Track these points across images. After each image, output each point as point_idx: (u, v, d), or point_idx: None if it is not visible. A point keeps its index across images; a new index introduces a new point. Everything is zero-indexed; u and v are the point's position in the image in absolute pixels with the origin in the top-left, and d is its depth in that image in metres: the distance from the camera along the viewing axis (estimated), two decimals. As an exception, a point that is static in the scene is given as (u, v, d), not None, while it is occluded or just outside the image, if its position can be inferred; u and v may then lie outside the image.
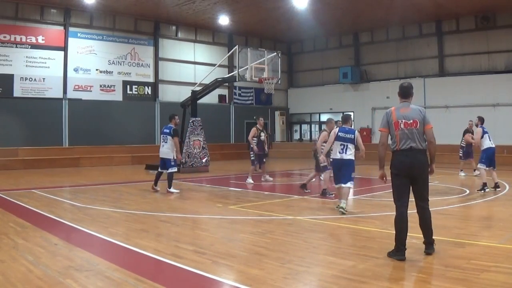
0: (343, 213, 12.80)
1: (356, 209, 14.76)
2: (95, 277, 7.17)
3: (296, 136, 46.18)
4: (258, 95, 41.91)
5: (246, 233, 10.69)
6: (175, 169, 18.37)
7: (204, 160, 26.91)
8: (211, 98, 34.86)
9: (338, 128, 14.06)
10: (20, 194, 16.99)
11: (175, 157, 17.96)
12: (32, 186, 19.57)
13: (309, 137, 45.23)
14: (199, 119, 26.97)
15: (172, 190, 17.80)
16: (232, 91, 40.90)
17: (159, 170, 18.63)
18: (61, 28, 31.85)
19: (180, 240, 9.91)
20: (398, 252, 8.14)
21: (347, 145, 13.71)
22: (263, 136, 21.58)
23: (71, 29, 32.14)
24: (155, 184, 18.31)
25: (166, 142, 18.19)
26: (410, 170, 8.33)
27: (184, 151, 26.15)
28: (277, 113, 44.12)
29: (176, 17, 35.23)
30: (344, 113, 15.09)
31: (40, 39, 30.86)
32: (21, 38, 30.18)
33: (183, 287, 7.23)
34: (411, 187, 8.46)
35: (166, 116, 34.44)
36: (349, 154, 13.80)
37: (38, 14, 30.91)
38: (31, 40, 30.52)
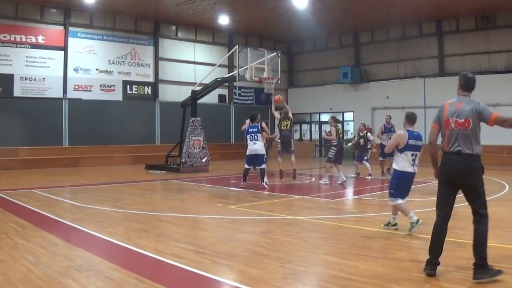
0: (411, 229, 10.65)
1: (356, 209, 14.81)
2: (95, 277, 7.20)
3: (296, 136, 46.08)
4: (258, 95, 41.89)
5: (246, 233, 10.75)
6: (265, 165, 19.78)
7: (204, 160, 26.91)
8: (211, 98, 34.81)
9: (406, 132, 11.02)
10: (20, 194, 17.00)
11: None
12: (32, 186, 19.56)
13: (309, 137, 45.27)
14: (199, 119, 26.96)
15: (266, 182, 19.26)
16: (232, 91, 40.87)
17: (247, 166, 19.58)
18: (61, 28, 31.82)
19: (180, 240, 9.95)
20: (428, 265, 7.49)
21: (416, 155, 11.17)
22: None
23: (71, 29, 32.11)
24: (244, 180, 19.20)
25: (257, 140, 19.03)
26: (455, 177, 7.59)
27: (184, 151, 26.19)
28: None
29: (176, 17, 35.21)
30: (409, 112, 11.65)
31: (40, 39, 30.84)
32: (21, 38, 30.15)
33: (183, 287, 7.26)
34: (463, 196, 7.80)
35: (166, 116, 34.73)
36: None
37: (38, 14, 30.88)
38: (31, 40, 30.49)
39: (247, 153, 19.63)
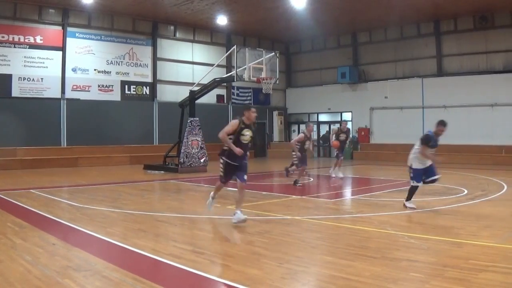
0: None
1: (354, 209, 14.81)
2: (93, 277, 7.20)
3: (294, 136, 46.10)
4: (256, 95, 41.91)
5: (244, 233, 10.74)
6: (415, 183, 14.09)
7: (202, 160, 26.90)
8: (209, 98, 34.78)
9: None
10: (18, 194, 16.99)
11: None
12: (30, 186, 19.55)
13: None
14: (197, 119, 26.95)
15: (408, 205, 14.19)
16: (230, 91, 40.89)
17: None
18: (59, 28, 31.81)
19: (178, 240, 9.95)
20: None
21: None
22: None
23: (69, 29, 32.11)
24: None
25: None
26: None
27: (182, 151, 26.21)
28: (275, 113, 44.10)
29: (174, 17, 35.20)
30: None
31: (38, 39, 30.83)
32: (19, 38, 30.16)
33: (181, 287, 7.26)
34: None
35: (164, 116, 34.74)
36: None
37: (36, 14, 30.88)
38: (29, 40, 30.50)
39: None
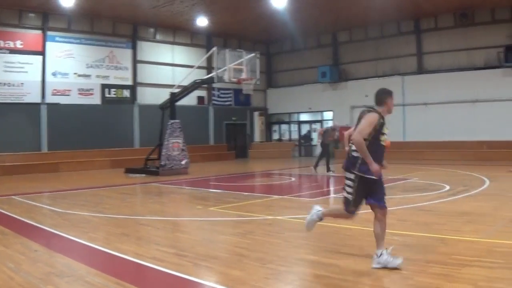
0: None
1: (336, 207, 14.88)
2: (76, 282, 7.19)
3: (275, 136, 46.24)
4: (237, 96, 41.87)
5: (226, 235, 10.78)
6: None
7: (183, 162, 26.85)
8: (189, 100, 34.81)
9: None
10: (0, 201, 16.91)
11: None
12: (12, 192, 19.40)
13: (288, 137, 45.36)
14: (178, 121, 26.92)
15: None
16: (211, 92, 40.82)
17: None
18: (39, 32, 31.61)
19: (160, 243, 9.94)
20: None
21: None
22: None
23: (49, 33, 31.91)
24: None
25: None
26: None
27: (163, 153, 26.17)
28: (256, 113, 44.10)
29: (154, 19, 35.08)
30: None
31: (19, 44, 30.63)
32: (-1, 43, 30.08)
33: (164, 290, 7.25)
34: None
35: (145, 118, 34.57)
36: None
37: (16, 18, 30.66)
38: (9, 45, 30.28)
39: None
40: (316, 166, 25.86)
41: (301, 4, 31.51)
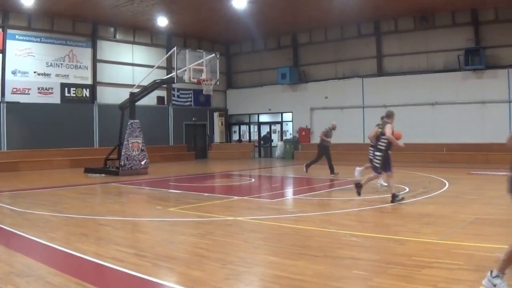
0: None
1: (296, 208, 14.96)
2: (36, 282, 7.16)
3: (235, 137, 46.25)
4: (197, 97, 41.72)
5: (186, 235, 10.79)
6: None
7: (143, 163, 26.77)
8: (149, 100, 34.71)
9: None
10: (-43, 200, 16.76)
11: None
12: (-30, 191, 19.26)
13: (248, 138, 45.41)
14: (138, 121, 26.84)
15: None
16: (171, 92, 40.66)
17: None
18: (-1, 30, 31.40)
19: (120, 243, 9.93)
20: None
21: None
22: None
23: (9, 31, 31.53)
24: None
25: None
26: None
27: (122, 153, 26.07)
28: (215, 114, 43.98)
29: (115, 19, 34.84)
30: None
31: (-22, 42, 30.37)
32: (-41, 42, 29.69)
33: (124, 290, 7.26)
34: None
35: (104, 118, 34.34)
36: None
37: (-24, 16, 30.40)
38: (-32, 43, 30.01)
39: None
40: (308, 166, 25.56)
41: (261, 5, 31.54)
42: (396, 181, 19.79)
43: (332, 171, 24.08)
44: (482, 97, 31.68)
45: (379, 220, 12.11)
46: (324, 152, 24.55)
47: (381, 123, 15.02)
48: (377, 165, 14.54)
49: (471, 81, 32.27)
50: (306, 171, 24.91)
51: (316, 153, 25.17)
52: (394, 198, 14.21)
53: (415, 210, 13.47)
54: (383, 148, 14.41)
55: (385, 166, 14.59)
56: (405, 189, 17.70)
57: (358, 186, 15.33)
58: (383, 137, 14.41)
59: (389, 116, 14.88)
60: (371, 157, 17.35)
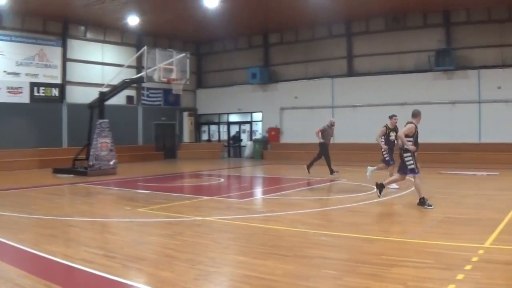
0: None
1: (265, 208, 15.02)
2: (4, 285, 7.13)
3: (205, 136, 46.20)
4: (167, 96, 41.53)
5: (155, 236, 10.81)
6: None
7: (111, 163, 26.64)
8: (119, 99, 34.50)
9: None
10: None
11: None
12: None
13: (217, 138, 45.40)
14: (107, 120, 26.69)
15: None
16: (141, 92, 40.49)
17: None
18: (-32, 28, 31.10)
19: (89, 244, 9.88)
20: None
21: None
22: (393, 136, 18.92)
23: (-22, 29, 31.40)
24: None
25: None
26: None
27: (91, 153, 25.94)
28: (185, 114, 43.86)
29: (85, 18, 34.58)
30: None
31: None
32: None
33: (93, 292, 7.24)
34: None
35: (73, 118, 34.06)
36: None
37: None
38: None
39: None
40: (309, 167, 24.19)
41: (233, 5, 31.52)
42: (365, 181, 19.97)
43: (331, 171, 23.46)
44: (452, 98, 32.08)
45: (348, 220, 12.20)
46: (324, 151, 23.76)
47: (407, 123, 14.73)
48: (411, 166, 14.17)
49: (442, 81, 32.62)
50: (309, 172, 24.11)
51: (317, 152, 24.05)
52: (422, 202, 13.72)
53: (384, 210, 13.63)
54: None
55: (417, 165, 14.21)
56: (374, 189, 17.82)
57: (380, 187, 15.06)
58: (408, 138, 14.23)
59: (414, 115, 15.15)
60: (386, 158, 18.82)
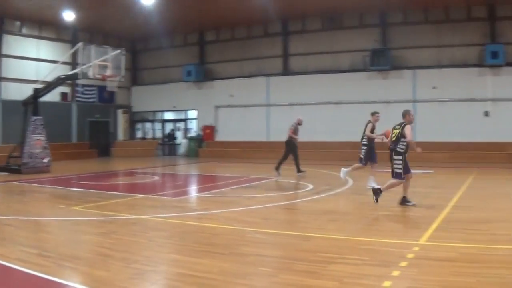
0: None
1: (200, 206, 15.10)
2: None
3: (139, 134, 46.02)
4: (101, 93, 41.08)
5: (90, 234, 10.75)
6: None
7: (45, 161, 26.30)
8: (53, 96, 34.02)
9: None
10: None
11: None
12: None
13: (152, 136, 45.26)
14: (41, 117, 26.31)
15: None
16: (75, 88, 40.03)
17: None
18: None
19: (24, 243, 9.76)
20: None
21: None
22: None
23: None
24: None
25: None
26: None
27: (25, 151, 25.62)
28: (119, 111, 43.58)
29: (21, 12, 34.08)
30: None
31: None
32: None
33: (28, 291, 7.19)
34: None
35: (8, 115, 33.61)
36: None
37: None
38: None
39: None
40: (278, 167, 22.83)
41: (169, 2, 31.51)
42: (300, 179, 20.15)
43: (298, 170, 22.66)
44: (387, 97, 32.59)
45: (283, 217, 12.36)
46: (292, 149, 22.88)
47: (397, 124, 14.27)
48: (398, 170, 13.78)
49: (377, 81, 33.24)
50: (279, 174, 23.50)
51: (284, 151, 23.03)
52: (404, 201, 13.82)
53: (320, 207, 13.78)
54: (402, 151, 13.80)
55: (405, 169, 13.82)
56: (309, 187, 18.01)
57: (377, 192, 14.04)
58: (403, 139, 13.79)
59: (404, 115, 14.29)
60: (361, 156, 18.36)
